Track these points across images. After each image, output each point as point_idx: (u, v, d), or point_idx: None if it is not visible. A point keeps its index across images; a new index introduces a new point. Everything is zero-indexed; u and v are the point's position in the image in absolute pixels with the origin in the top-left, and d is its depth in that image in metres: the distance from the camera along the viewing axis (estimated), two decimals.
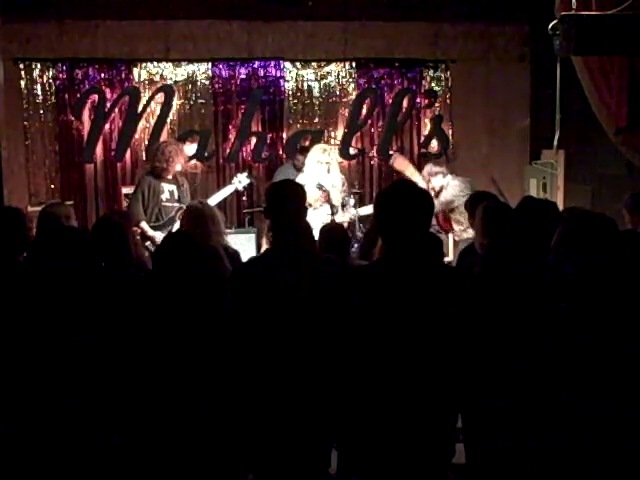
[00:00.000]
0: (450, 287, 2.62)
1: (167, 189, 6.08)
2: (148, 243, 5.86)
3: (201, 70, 8.33)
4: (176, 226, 5.91)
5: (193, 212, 4.35)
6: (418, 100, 8.65)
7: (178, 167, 6.13)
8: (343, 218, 6.30)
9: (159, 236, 5.87)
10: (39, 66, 8.01)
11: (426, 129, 8.69)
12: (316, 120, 8.56)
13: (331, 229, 4.36)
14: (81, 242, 2.80)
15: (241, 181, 6.47)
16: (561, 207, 5.54)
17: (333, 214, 6.15)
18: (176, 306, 2.82)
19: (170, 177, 6.09)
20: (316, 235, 4.15)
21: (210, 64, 8.29)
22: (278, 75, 8.39)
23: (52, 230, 3.16)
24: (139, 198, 6.00)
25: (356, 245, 6.84)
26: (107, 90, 8.09)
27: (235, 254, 4.30)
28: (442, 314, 2.55)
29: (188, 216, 4.37)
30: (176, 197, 6.10)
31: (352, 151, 8.51)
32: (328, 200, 6.23)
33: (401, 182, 3.57)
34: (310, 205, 6.05)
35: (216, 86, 8.33)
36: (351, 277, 2.75)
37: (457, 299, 2.60)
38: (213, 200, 6.04)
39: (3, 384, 2.68)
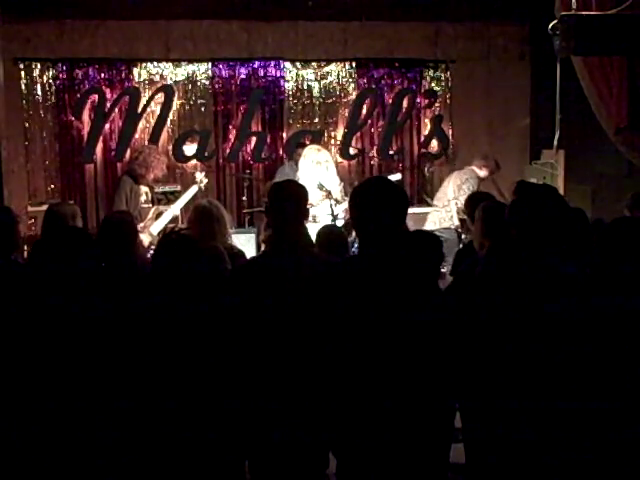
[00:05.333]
0: (423, 279, 2.63)
1: (144, 191, 6.10)
2: None
3: (201, 70, 8.34)
4: (154, 227, 5.88)
5: (200, 211, 4.33)
6: (418, 100, 8.66)
7: (159, 173, 6.13)
8: (344, 206, 6.26)
9: (144, 238, 5.84)
10: (39, 66, 8.02)
11: (426, 129, 8.71)
12: (316, 120, 8.57)
13: (329, 231, 4.36)
14: (84, 242, 2.80)
15: (202, 180, 6.29)
16: None
17: (333, 211, 6.13)
18: (175, 306, 2.82)
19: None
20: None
21: (210, 64, 8.30)
22: (278, 75, 8.40)
23: (56, 230, 3.16)
24: (123, 201, 5.89)
25: (356, 245, 6.83)
26: (107, 90, 8.10)
27: (240, 254, 4.28)
28: (421, 309, 2.55)
29: (195, 215, 4.36)
30: (150, 199, 6.12)
31: (352, 151, 8.51)
32: (329, 197, 6.21)
33: (376, 178, 3.56)
34: (312, 205, 6.04)
35: (216, 86, 8.33)
36: (326, 275, 2.76)
37: (430, 294, 2.62)
38: (178, 204, 5.99)
39: (4, 384, 2.68)
